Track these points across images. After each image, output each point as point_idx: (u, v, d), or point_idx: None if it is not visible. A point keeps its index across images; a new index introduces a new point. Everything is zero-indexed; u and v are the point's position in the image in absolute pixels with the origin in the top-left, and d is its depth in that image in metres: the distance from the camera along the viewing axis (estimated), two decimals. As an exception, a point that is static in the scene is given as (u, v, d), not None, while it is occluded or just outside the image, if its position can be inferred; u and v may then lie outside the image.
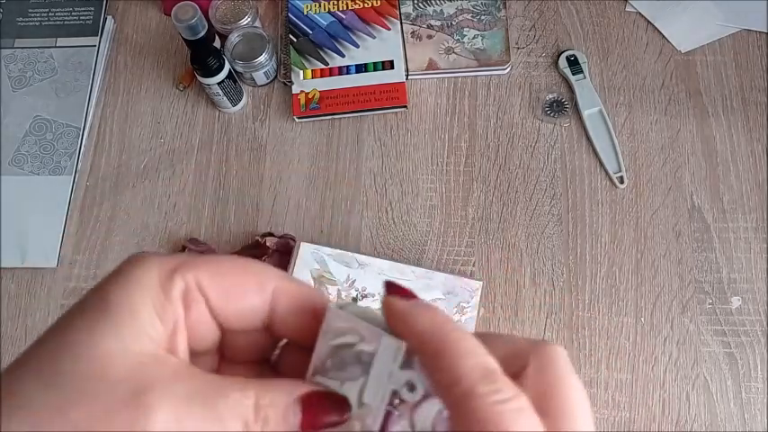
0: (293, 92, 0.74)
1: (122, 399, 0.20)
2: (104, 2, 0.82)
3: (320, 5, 0.78)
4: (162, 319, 0.22)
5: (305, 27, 0.77)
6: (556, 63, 0.75)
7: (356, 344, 0.23)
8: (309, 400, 0.22)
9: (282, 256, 0.66)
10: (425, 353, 0.22)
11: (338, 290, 0.64)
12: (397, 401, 0.23)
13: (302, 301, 0.24)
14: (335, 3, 0.78)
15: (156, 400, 0.20)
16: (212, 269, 0.23)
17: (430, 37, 0.76)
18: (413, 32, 0.77)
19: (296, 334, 0.25)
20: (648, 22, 0.77)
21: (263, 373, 0.26)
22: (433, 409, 0.23)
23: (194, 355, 0.24)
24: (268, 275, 0.24)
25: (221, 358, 0.26)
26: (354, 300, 0.61)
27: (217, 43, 0.75)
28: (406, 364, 0.23)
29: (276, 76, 0.77)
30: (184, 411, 0.20)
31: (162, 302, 0.22)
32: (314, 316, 0.24)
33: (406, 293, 0.24)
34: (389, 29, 0.76)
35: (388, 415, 0.23)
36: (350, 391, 0.23)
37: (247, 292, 0.24)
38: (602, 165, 0.70)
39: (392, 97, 0.73)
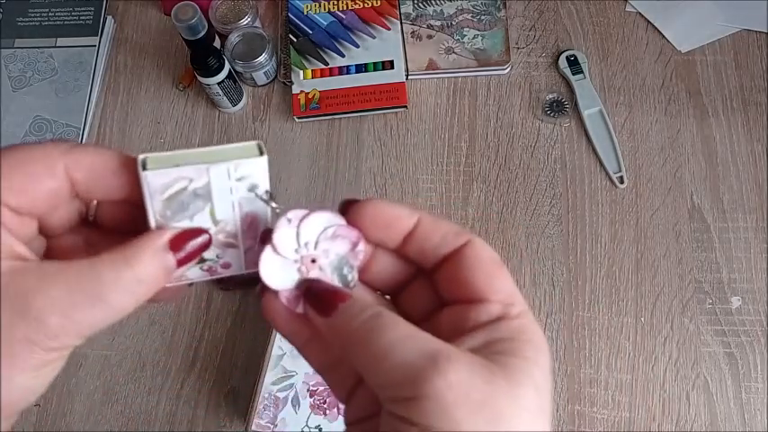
0: (293, 92, 0.74)
1: (15, 321, 0.21)
2: (104, 2, 0.82)
3: (320, 5, 0.78)
4: None
5: (305, 27, 0.77)
6: (556, 63, 0.75)
7: (187, 186, 0.24)
8: (173, 243, 0.25)
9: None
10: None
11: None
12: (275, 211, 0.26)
13: (97, 166, 0.25)
14: (335, 3, 0.78)
15: (44, 311, 0.22)
16: None
17: (430, 37, 0.76)
18: (413, 32, 0.77)
19: (104, 194, 0.26)
20: (648, 21, 0.77)
21: (90, 235, 0.28)
22: (343, 245, 0.25)
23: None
24: (53, 156, 0.24)
25: (44, 236, 0.27)
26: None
27: (217, 43, 0.75)
28: (240, 175, 0.25)
29: (276, 76, 0.77)
30: (72, 309, 0.22)
31: None
32: (114, 174, 0.25)
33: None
34: (389, 29, 0.76)
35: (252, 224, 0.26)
36: (202, 220, 0.25)
37: (39, 183, 0.24)
38: (602, 165, 0.70)
39: (392, 97, 0.73)
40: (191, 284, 0.27)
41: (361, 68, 0.74)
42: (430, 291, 0.26)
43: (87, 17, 0.81)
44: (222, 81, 0.70)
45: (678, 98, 0.73)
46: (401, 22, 0.77)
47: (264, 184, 0.25)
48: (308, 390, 0.59)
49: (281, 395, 0.59)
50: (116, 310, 0.23)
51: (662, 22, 0.76)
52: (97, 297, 0.22)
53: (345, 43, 0.76)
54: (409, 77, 0.75)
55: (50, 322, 0.21)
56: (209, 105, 0.76)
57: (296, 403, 0.59)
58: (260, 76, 0.75)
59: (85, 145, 0.25)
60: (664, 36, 0.76)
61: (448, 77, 0.75)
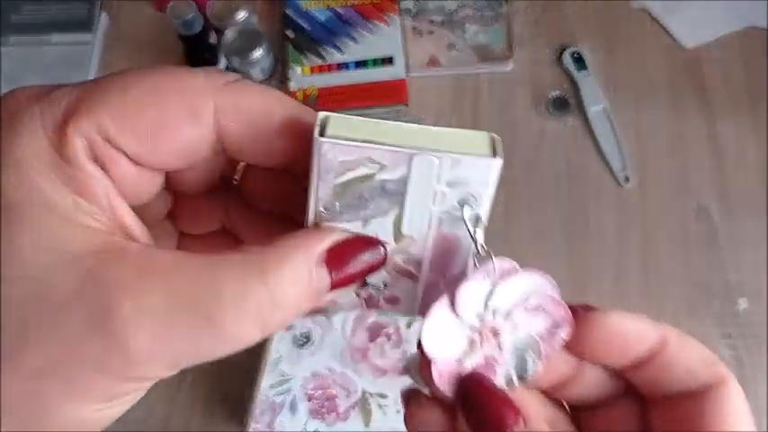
0: (290, 89, 0.73)
1: (86, 328, 0.15)
2: (99, -3, 0.81)
3: (318, 0, 0.77)
4: (86, 197, 0.16)
5: (303, 23, 0.76)
6: (560, 59, 0.73)
7: (375, 174, 0.18)
8: (334, 254, 0.17)
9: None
10: None
11: (337, 292, 0.63)
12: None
13: (258, 117, 0.18)
14: (334, -2, 0.77)
15: (129, 325, 0.15)
16: (117, 107, 0.16)
17: (431, 33, 0.75)
18: (413, 28, 0.75)
19: (259, 158, 0.19)
20: (654, 18, 0.75)
21: (228, 198, 0.21)
22: (542, 323, 0.19)
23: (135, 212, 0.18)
24: (201, 93, 0.17)
25: (173, 194, 0.20)
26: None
27: (213, 39, 0.74)
28: (452, 179, 0.17)
29: (273, 73, 0.76)
30: (167, 331, 0.15)
31: (72, 176, 0.16)
32: (279, 132, 0.18)
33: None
34: (389, 25, 0.75)
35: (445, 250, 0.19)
36: (380, 229, 0.18)
37: (177, 127, 0.17)
38: (607, 163, 0.69)
39: (392, 94, 0.72)
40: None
41: (360, 65, 0.73)
42: (637, 419, 0.20)
43: (81, 13, 0.80)
44: (218, 78, 0.69)
45: (684, 95, 0.72)
46: (401, 18, 0.76)
47: (484, 203, 0.19)
48: (305, 394, 0.58)
49: (278, 399, 0.58)
50: (232, 343, 0.16)
51: (667, 19, 0.75)
52: (209, 320, 0.15)
53: (344, 39, 0.75)
54: (409, 74, 0.74)
55: (133, 344, 0.15)
56: (205, 103, 0.75)
57: (293, 407, 0.58)
58: (256, 73, 0.74)
59: (246, 83, 0.18)
60: (669, 32, 0.75)
61: (449, 74, 0.74)
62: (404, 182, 0.18)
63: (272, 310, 0.16)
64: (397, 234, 0.19)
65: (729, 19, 0.75)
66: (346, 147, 0.17)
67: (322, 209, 0.18)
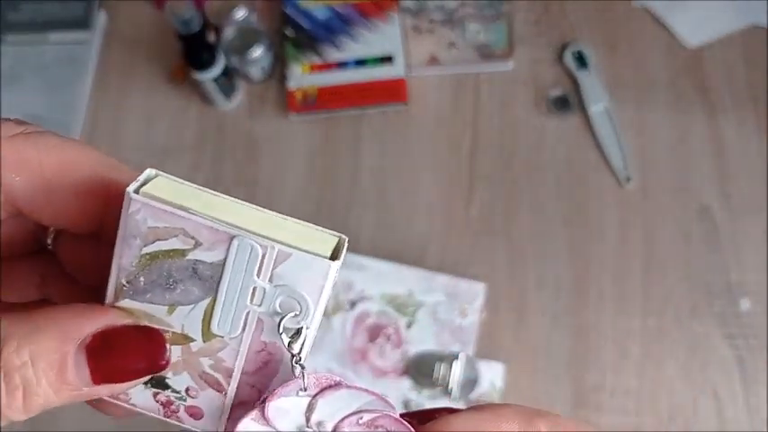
0: (289, 88, 0.72)
1: None
2: (97, -5, 0.80)
3: (318, -1, 0.76)
4: None
5: (302, 21, 0.76)
6: (561, 58, 0.73)
7: (187, 251, 0.15)
8: (100, 342, 0.14)
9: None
10: None
11: (336, 293, 0.62)
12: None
13: (53, 174, 0.15)
14: (334, -4, 0.77)
15: None
16: None
17: (431, 31, 0.75)
18: (414, 27, 0.75)
19: (60, 221, 0.16)
20: (655, 16, 0.75)
21: (48, 267, 0.18)
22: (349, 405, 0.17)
23: None
24: None
25: None
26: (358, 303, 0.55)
27: (211, 38, 0.74)
28: (278, 276, 0.14)
29: (272, 72, 0.75)
30: None
31: None
32: (84, 192, 0.15)
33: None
34: (389, 23, 0.74)
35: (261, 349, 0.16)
36: (187, 320, 0.15)
37: None
38: (608, 163, 0.69)
39: (392, 93, 0.71)
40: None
41: (359, 63, 0.73)
42: None
43: (80, 12, 0.79)
44: (216, 77, 0.68)
45: (686, 95, 0.71)
46: (401, 17, 0.75)
47: (311, 312, 0.16)
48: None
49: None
50: None
51: (669, 18, 0.75)
52: None
53: (344, 38, 0.74)
54: (409, 73, 0.73)
55: None
56: (202, 102, 0.74)
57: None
58: (256, 72, 0.73)
59: (48, 135, 0.16)
60: (671, 31, 0.74)
61: (449, 73, 0.74)
62: (220, 268, 0.15)
63: (8, 390, 0.14)
64: (206, 331, 0.16)
65: (731, 18, 0.74)
66: (159, 210, 0.15)
67: (124, 281, 0.16)
